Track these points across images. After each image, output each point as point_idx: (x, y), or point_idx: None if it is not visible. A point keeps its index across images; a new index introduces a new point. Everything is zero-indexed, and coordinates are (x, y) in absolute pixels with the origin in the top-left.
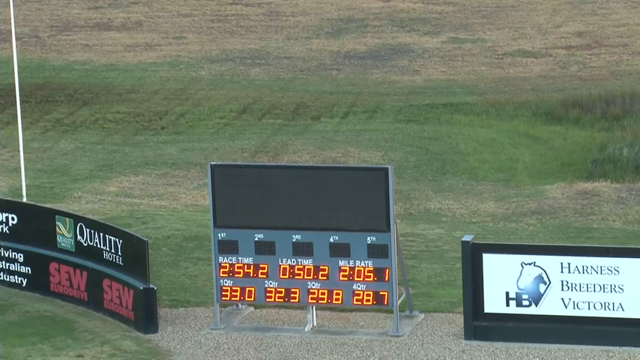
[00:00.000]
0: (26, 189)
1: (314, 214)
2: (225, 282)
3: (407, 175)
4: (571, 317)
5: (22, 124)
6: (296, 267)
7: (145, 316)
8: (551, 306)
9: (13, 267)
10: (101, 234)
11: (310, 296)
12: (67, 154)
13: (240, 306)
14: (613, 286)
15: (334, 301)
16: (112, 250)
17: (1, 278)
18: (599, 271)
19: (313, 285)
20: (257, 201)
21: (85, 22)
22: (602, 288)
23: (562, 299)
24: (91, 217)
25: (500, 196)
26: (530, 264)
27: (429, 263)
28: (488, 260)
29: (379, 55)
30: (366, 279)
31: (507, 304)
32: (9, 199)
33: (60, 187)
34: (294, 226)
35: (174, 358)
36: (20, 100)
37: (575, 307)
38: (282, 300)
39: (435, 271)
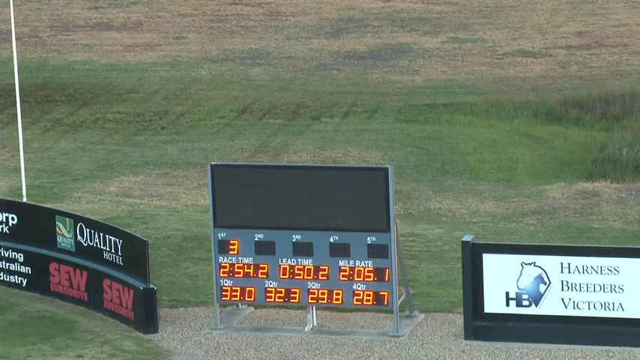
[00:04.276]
0: (26, 189)
1: (314, 214)
2: (225, 282)
3: (407, 175)
4: (571, 317)
5: (22, 124)
6: (296, 267)
7: (145, 316)
8: (551, 306)
9: (13, 267)
10: (101, 234)
11: (310, 296)
12: (67, 154)
13: (240, 306)
14: (613, 286)
15: (334, 301)
16: (112, 250)
17: (1, 278)
18: (599, 271)
19: (313, 285)
20: (257, 201)
21: (85, 22)
22: (602, 288)
23: (562, 299)
24: (91, 217)
25: (500, 196)
26: (530, 264)
27: (429, 263)
28: (488, 260)
29: (379, 55)
30: (366, 279)
31: (507, 304)
32: (9, 199)
33: (60, 187)
34: (294, 226)
35: (174, 358)
36: (20, 100)
37: (575, 307)
38: (282, 300)
39: (435, 271)
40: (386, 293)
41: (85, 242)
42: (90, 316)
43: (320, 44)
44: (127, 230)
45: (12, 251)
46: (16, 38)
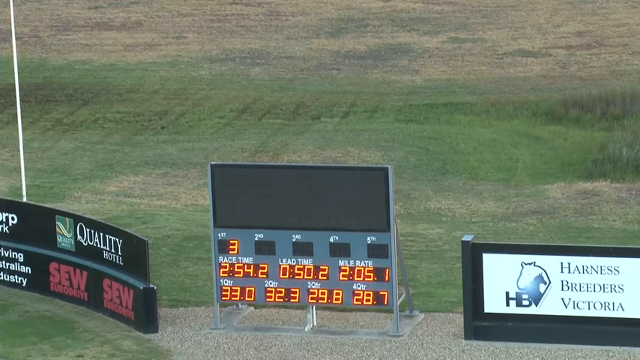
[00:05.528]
0: (26, 189)
1: (314, 214)
2: (225, 282)
3: (407, 175)
4: (571, 317)
5: (22, 123)
6: (296, 267)
7: (145, 316)
8: (551, 306)
9: (13, 267)
10: (101, 234)
11: (310, 296)
12: (67, 154)
13: (240, 306)
14: (613, 286)
15: (334, 301)
16: (112, 250)
17: (1, 278)
18: (599, 271)
19: (313, 285)
20: (257, 201)
21: (85, 22)
22: (602, 288)
23: (562, 299)
24: (91, 217)
25: (500, 196)
26: (530, 264)
27: (429, 263)
28: (488, 260)
29: (379, 55)
30: (366, 279)
31: (507, 304)
32: (9, 199)
33: (60, 187)
34: (294, 226)
35: (174, 358)
36: (20, 100)
37: (575, 307)
38: (282, 300)
39: (435, 271)
40: (386, 293)
41: (85, 242)
42: (90, 316)
43: (320, 44)
44: (127, 230)
45: (12, 251)
46: (16, 38)
